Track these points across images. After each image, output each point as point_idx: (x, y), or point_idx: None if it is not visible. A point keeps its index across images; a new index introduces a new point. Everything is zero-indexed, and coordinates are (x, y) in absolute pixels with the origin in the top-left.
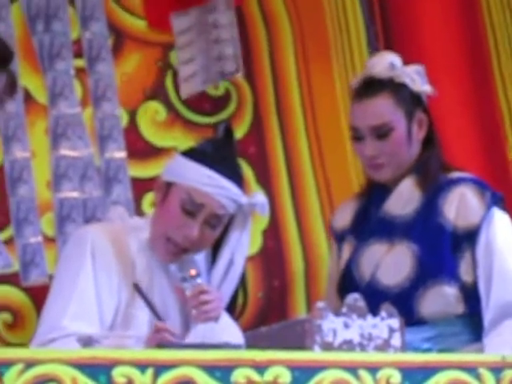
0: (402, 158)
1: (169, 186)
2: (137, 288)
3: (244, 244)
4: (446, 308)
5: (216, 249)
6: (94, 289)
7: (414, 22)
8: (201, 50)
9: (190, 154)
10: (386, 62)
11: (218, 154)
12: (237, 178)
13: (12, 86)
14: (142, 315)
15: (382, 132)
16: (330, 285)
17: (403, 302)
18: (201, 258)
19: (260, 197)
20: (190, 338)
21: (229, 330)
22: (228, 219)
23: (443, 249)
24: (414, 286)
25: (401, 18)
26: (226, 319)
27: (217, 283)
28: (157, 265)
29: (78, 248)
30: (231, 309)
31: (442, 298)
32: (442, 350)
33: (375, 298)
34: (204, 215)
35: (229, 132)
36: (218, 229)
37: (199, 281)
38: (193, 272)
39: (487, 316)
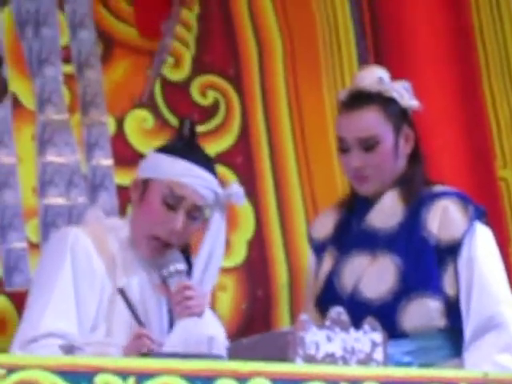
0: (387, 172)
1: (146, 183)
2: (121, 293)
3: (221, 238)
4: (429, 322)
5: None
6: (73, 288)
7: (405, 37)
8: None
9: (164, 149)
10: (375, 76)
11: (189, 147)
12: (212, 169)
13: (2, 91)
14: (124, 314)
15: (369, 144)
16: (307, 296)
17: (385, 315)
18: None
19: (235, 187)
20: (174, 334)
21: (212, 325)
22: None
23: (427, 262)
24: (396, 299)
25: (391, 34)
26: (209, 315)
27: (198, 278)
28: (138, 263)
29: (57, 248)
30: None
31: (424, 312)
32: (422, 365)
33: (357, 311)
34: (185, 207)
35: (193, 129)
36: (198, 220)
37: (184, 276)
38: (177, 267)
39: (468, 330)
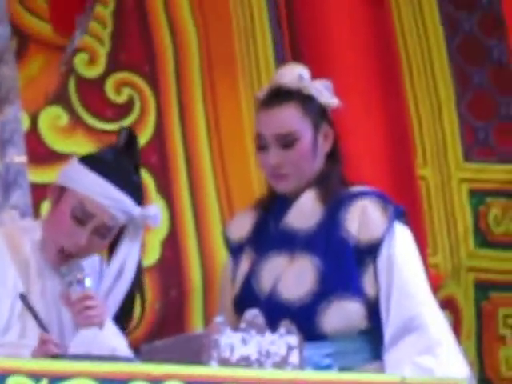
0: (305, 170)
1: (62, 190)
2: (22, 299)
3: (134, 254)
4: (349, 324)
5: (110, 255)
6: None
7: (322, 34)
8: None
9: (88, 160)
10: (295, 73)
11: (116, 162)
12: (132, 189)
13: None
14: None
15: (287, 141)
16: (222, 299)
17: (305, 317)
18: (94, 263)
19: (153, 209)
20: (74, 344)
21: (114, 336)
22: (120, 228)
23: (347, 263)
24: (316, 301)
25: (308, 31)
26: (111, 327)
27: (105, 291)
28: (50, 268)
29: None
30: (126, 318)
31: (344, 314)
32: (342, 368)
33: (276, 312)
34: (94, 224)
35: (131, 138)
36: (107, 238)
37: (85, 286)
38: (79, 276)
39: (387, 332)
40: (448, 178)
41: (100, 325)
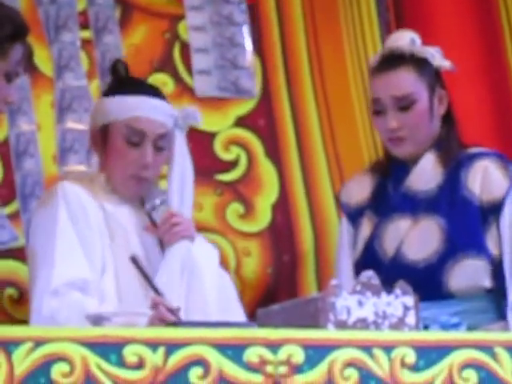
0: (423, 133)
1: (104, 130)
2: (134, 261)
3: (188, 156)
4: (475, 281)
5: None
6: (75, 232)
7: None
8: (215, 43)
9: (109, 92)
10: (407, 37)
11: (132, 82)
12: (161, 95)
13: (28, 59)
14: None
15: (404, 103)
16: (340, 262)
17: (431, 277)
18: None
19: (189, 108)
20: (167, 261)
21: (204, 252)
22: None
23: (471, 222)
24: (442, 260)
25: None
26: (201, 240)
27: (176, 203)
28: (124, 205)
29: (48, 203)
30: None
31: (471, 272)
32: (469, 327)
33: (400, 274)
34: (150, 140)
35: (127, 69)
36: (165, 149)
37: (167, 206)
38: (159, 200)
39: (511, 291)
40: None
41: (190, 238)
